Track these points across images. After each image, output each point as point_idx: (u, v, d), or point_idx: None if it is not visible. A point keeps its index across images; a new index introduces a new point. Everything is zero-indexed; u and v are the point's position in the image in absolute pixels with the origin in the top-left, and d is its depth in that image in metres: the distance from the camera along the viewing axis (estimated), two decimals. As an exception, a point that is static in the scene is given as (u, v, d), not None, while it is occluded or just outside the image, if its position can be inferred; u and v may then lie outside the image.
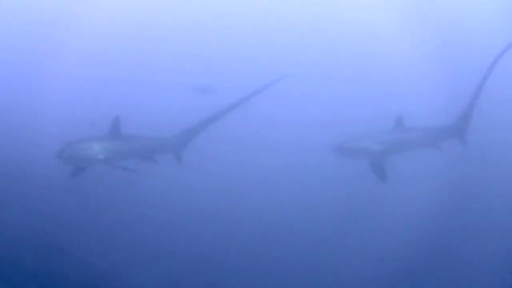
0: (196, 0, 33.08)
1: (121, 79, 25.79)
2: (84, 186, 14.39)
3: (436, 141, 13.49)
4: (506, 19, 26.49)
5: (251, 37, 30.96)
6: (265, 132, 20.54)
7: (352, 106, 22.56)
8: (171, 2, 31.89)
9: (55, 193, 14.27)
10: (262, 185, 16.53)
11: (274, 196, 16.09)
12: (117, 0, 30.15)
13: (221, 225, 14.44)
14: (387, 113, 14.38)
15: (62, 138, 10.92)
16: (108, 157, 10.12)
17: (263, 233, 14.38)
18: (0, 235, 12.19)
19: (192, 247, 13.46)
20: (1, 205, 13.49)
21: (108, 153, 10.14)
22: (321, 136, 18.04)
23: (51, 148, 10.44)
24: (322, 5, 32.03)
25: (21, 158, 15.84)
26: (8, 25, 27.13)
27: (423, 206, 15.61)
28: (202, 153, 14.44)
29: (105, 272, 12.08)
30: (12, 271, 11.14)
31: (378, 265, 13.22)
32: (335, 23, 31.02)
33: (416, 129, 13.54)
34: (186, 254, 12.96)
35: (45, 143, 14.67)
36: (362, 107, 21.93)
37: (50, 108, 20.13)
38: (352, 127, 14.48)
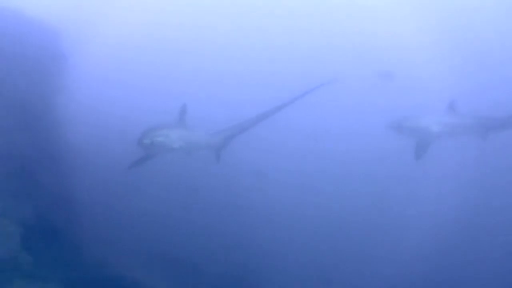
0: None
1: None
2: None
3: (492, 130, 13.14)
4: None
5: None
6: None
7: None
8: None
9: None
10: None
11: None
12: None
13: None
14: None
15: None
16: (182, 146, 9.94)
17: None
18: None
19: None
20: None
21: (182, 142, 9.93)
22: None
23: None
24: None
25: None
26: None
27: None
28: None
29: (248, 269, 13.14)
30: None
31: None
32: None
33: (474, 115, 13.37)
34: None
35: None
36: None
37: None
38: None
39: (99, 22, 28.94)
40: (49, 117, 13.03)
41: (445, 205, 16.43)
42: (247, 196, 16.38)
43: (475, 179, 17.36)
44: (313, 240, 14.89)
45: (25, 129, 10.87)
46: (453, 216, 15.76)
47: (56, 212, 10.44)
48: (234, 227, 14.56)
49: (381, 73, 19.59)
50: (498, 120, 13.48)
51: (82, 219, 11.27)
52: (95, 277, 9.69)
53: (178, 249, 12.66)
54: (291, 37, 32.99)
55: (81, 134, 13.08)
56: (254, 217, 15.41)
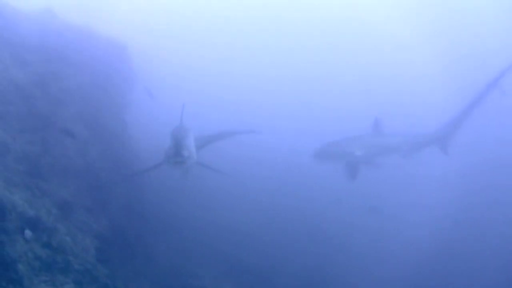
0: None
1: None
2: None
3: (417, 147, 13.63)
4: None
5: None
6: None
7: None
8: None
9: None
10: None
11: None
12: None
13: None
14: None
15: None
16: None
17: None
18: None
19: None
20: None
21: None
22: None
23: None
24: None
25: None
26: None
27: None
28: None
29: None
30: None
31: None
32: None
33: (397, 134, 13.75)
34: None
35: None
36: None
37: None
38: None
39: (164, 40, 30.39)
40: (120, 130, 13.42)
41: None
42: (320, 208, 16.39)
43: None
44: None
45: (98, 142, 11.19)
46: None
47: (131, 224, 10.63)
48: (306, 240, 14.47)
49: (500, 90, 19.67)
50: (426, 136, 13.74)
51: (156, 230, 11.44)
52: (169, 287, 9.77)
53: (250, 260, 12.66)
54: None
55: (153, 146, 13.36)
56: (327, 230, 15.32)
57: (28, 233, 6.71)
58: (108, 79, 13.93)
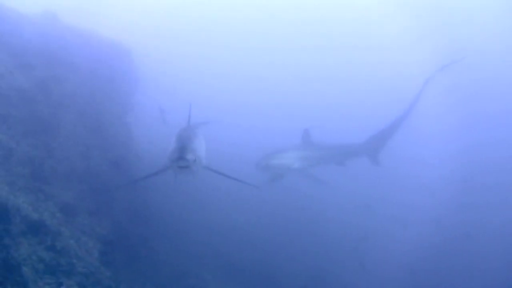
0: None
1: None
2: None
3: (347, 158, 14.08)
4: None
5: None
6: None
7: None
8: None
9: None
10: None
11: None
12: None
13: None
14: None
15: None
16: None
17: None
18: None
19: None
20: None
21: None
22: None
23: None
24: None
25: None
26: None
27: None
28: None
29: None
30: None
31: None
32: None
33: (329, 145, 14.19)
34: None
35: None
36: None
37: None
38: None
39: (166, 42, 30.52)
40: (123, 133, 13.44)
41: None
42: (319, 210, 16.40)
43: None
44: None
45: (101, 145, 11.21)
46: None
47: (134, 226, 10.63)
48: (308, 240, 14.50)
49: None
50: (355, 146, 14.18)
51: (159, 232, 11.44)
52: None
53: (254, 263, 12.67)
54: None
55: (155, 149, 13.38)
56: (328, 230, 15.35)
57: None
58: (110, 82, 13.97)
